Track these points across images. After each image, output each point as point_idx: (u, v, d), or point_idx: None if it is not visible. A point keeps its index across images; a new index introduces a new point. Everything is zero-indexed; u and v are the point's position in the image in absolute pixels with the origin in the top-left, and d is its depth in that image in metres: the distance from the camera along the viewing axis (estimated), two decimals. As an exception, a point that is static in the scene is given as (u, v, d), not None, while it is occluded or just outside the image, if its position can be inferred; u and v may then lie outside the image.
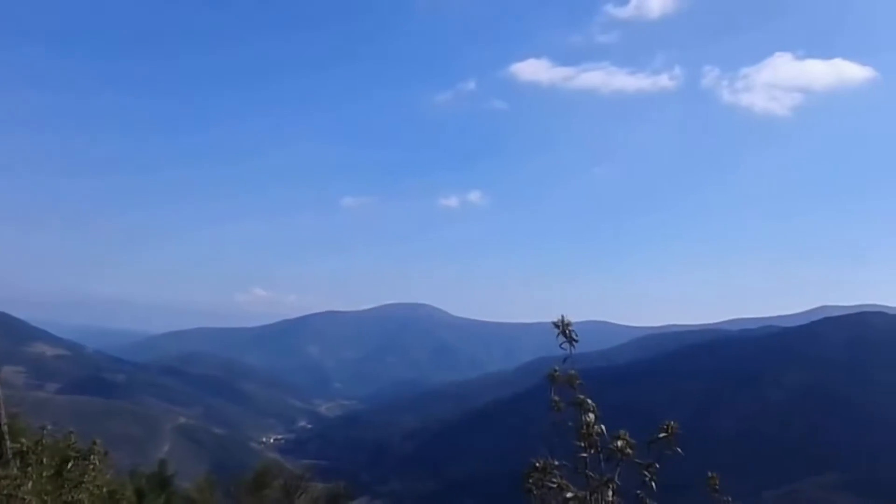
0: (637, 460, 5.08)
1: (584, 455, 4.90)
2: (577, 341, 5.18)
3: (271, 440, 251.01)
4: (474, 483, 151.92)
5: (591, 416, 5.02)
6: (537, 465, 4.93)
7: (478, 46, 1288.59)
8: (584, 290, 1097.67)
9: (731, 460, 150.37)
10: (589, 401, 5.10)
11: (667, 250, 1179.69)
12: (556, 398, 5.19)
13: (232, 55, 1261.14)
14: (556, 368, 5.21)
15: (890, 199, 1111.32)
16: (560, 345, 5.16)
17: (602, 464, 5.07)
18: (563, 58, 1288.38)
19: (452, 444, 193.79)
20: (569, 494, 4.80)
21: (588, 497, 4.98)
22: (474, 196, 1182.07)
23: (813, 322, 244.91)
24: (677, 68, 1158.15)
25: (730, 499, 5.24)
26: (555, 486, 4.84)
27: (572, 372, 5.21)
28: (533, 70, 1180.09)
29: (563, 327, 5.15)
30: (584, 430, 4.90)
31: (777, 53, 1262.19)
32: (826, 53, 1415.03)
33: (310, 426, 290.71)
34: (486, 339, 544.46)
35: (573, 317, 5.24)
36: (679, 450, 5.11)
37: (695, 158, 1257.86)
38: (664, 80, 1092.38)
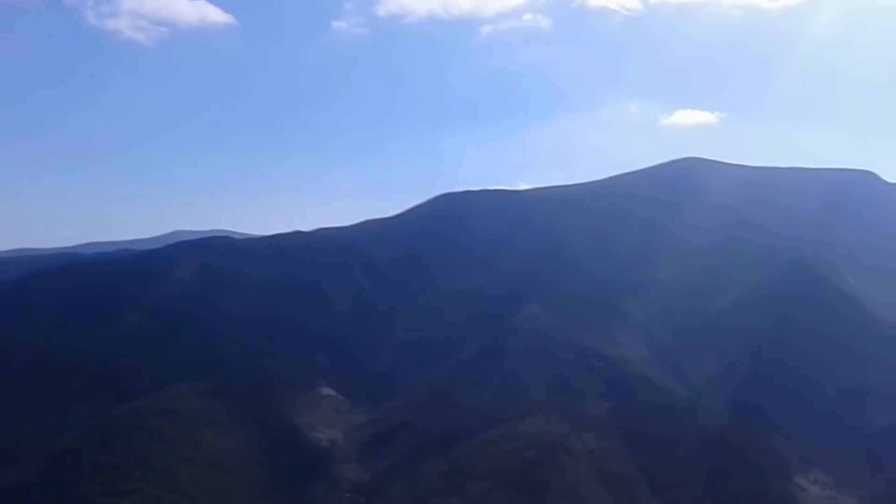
0: None
1: None
2: None
3: None
4: None
5: None
6: None
7: None
8: None
9: (85, 382, 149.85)
10: None
11: (18, 174, 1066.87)
12: None
13: None
14: None
15: (247, 140, 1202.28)
16: None
17: None
18: None
19: None
20: None
21: None
22: None
23: (168, 245, 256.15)
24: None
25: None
26: None
27: None
28: None
29: None
30: None
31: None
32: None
33: None
34: None
35: None
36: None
37: (60, 80, 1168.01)
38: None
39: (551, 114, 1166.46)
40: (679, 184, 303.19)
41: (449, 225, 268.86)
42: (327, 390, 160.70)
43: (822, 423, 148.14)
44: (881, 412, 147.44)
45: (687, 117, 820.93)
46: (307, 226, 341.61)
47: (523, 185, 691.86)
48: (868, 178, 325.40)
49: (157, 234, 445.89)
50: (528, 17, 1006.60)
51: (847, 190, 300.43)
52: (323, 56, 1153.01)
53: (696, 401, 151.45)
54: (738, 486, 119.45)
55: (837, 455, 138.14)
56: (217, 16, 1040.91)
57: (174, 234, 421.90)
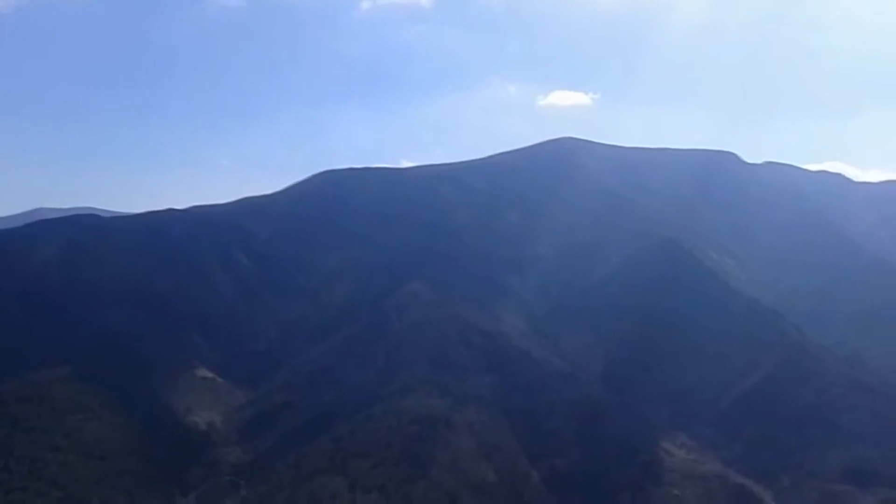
0: None
1: None
2: None
3: None
4: None
5: None
6: None
7: None
8: None
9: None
10: None
11: None
12: None
13: None
14: None
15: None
16: None
17: None
18: None
19: None
20: None
21: None
22: None
23: (29, 224, 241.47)
24: None
25: None
26: None
27: None
28: None
29: None
30: None
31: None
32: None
33: None
34: None
35: None
36: None
37: None
38: None
39: (432, 92, 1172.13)
40: (555, 163, 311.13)
41: (330, 203, 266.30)
42: (204, 372, 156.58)
43: (688, 392, 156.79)
44: (739, 380, 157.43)
45: (563, 98, 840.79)
46: (182, 203, 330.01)
47: (405, 163, 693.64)
48: (730, 158, 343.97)
49: (17, 212, 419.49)
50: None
51: (710, 172, 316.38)
52: (197, 28, 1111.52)
53: (571, 373, 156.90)
54: (611, 453, 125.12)
55: (701, 421, 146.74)
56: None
57: (36, 211, 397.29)
